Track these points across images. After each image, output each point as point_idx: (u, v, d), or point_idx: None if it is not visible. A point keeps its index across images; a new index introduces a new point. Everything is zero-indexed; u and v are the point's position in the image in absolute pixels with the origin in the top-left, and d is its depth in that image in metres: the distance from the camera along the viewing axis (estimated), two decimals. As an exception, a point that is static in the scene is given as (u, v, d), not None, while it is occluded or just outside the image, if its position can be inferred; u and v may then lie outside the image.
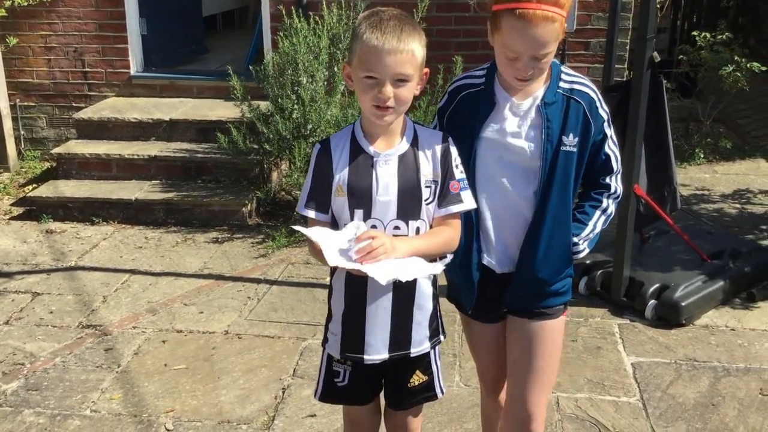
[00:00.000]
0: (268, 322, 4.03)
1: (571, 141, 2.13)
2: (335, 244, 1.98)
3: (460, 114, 2.21)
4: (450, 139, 2.13)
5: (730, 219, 5.45)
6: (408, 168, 2.06)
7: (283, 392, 3.41)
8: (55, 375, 3.56)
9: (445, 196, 2.09)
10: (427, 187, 2.07)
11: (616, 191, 2.27)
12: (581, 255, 2.27)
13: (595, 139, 2.17)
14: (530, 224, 2.18)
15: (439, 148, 2.09)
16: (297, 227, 2.08)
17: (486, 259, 2.25)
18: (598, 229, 2.27)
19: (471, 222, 2.20)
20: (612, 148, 2.22)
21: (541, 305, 2.27)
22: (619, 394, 3.37)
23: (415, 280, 2.09)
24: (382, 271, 1.91)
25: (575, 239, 2.23)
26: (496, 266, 2.24)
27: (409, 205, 2.05)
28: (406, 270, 1.96)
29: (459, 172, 2.10)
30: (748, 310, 4.11)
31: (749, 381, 3.47)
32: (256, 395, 3.39)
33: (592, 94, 2.16)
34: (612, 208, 2.28)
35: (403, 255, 2.00)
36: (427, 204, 2.08)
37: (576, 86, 2.15)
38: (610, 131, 2.20)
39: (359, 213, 2.04)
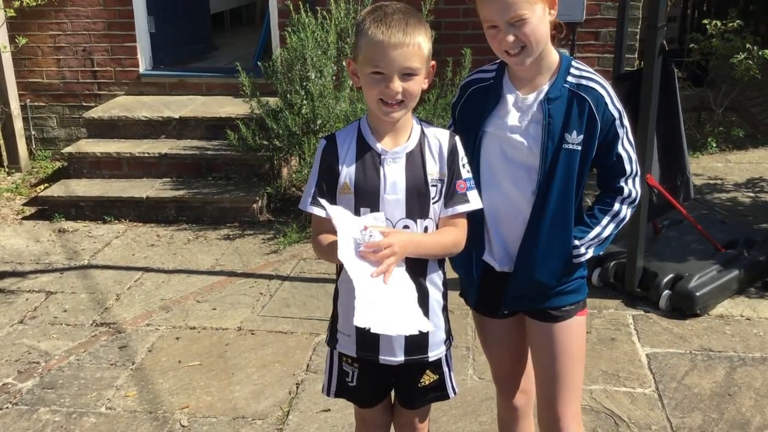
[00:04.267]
0: (281, 318, 4.04)
1: (574, 139, 2.05)
2: (351, 231, 1.94)
3: (469, 108, 2.19)
4: (457, 138, 2.11)
5: (743, 208, 5.41)
6: (415, 166, 2.04)
7: (297, 387, 3.41)
8: (70, 373, 3.58)
9: (451, 196, 2.06)
10: (433, 186, 2.04)
11: (630, 195, 2.14)
12: (582, 259, 2.17)
13: (606, 138, 2.08)
14: (528, 223, 2.13)
15: (446, 147, 2.06)
16: (313, 209, 2.03)
17: (486, 256, 2.22)
18: (607, 233, 2.16)
19: (475, 218, 2.16)
20: (626, 149, 2.10)
21: (546, 306, 2.20)
22: (635, 385, 3.36)
23: (426, 281, 2.08)
24: (365, 315, 1.88)
25: (576, 242, 2.14)
26: (496, 264, 2.21)
27: (417, 204, 2.03)
28: (391, 322, 1.92)
29: (466, 172, 2.08)
30: (763, 300, 4.07)
31: (765, 371, 3.44)
32: (270, 390, 3.39)
33: (601, 90, 2.06)
34: (625, 213, 2.15)
35: (411, 255, 1.99)
36: (434, 203, 2.05)
37: (583, 81, 2.07)
38: (623, 131, 2.09)
39: (366, 211, 2.01)
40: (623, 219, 2.16)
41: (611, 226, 2.16)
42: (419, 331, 1.95)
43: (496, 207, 2.17)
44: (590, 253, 2.17)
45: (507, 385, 2.47)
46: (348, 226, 1.94)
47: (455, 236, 2.07)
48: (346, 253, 1.91)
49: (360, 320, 1.87)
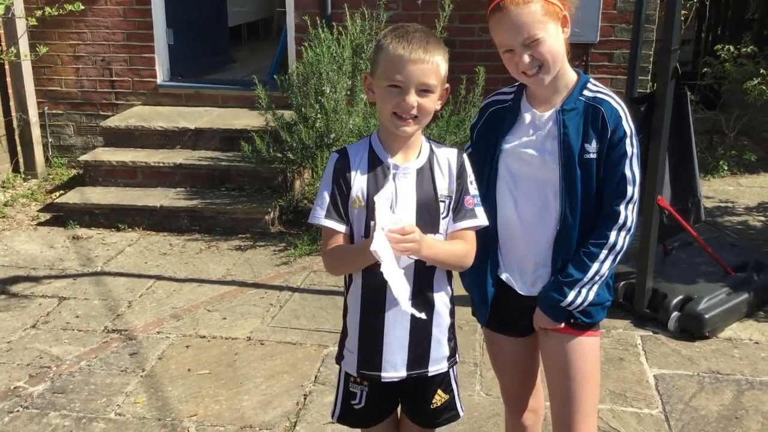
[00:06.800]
0: (290, 329, 4.06)
1: (593, 148, 2.05)
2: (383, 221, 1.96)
3: (487, 128, 2.23)
4: (465, 155, 2.14)
5: (754, 232, 5.40)
6: (425, 182, 2.06)
7: (305, 398, 3.43)
8: (81, 378, 3.61)
9: (459, 211, 2.08)
10: (442, 201, 2.07)
11: (626, 222, 2.07)
12: (584, 305, 2.11)
13: (615, 152, 2.05)
14: (555, 238, 2.12)
15: (455, 164, 2.09)
16: (326, 222, 2.06)
17: (504, 275, 2.22)
18: (606, 268, 2.10)
19: (486, 236, 2.16)
20: (633, 170, 2.06)
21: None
22: (642, 405, 3.36)
23: (433, 296, 2.10)
24: (381, 243, 1.89)
25: (567, 289, 2.09)
26: (514, 284, 2.21)
27: (427, 219, 2.05)
28: (398, 279, 1.94)
29: (473, 188, 2.11)
30: (773, 324, 4.07)
31: (773, 394, 3.44)
32: (278, 401, 3.41)
33: (615, 104, 2.07)
34: (622, 243, 2.08)
35: (424, 258, 2.01)
36: (443, 218, 2.08)
37: (599, 95, 2.09)
38: (632, 150, 2.06)
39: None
40: (621, 250, 2.10)
41: (609, 260, 2.10)
42: (410, 314, 2.00)
43: (512, 225, 2.17)
44: (591, 295, 2.12)
45: (516, 403, 2.48)
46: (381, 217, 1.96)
47: (465, 248, 2.09)
48: (379, 240, 1.92)
49: (377, 244, 1.87)
